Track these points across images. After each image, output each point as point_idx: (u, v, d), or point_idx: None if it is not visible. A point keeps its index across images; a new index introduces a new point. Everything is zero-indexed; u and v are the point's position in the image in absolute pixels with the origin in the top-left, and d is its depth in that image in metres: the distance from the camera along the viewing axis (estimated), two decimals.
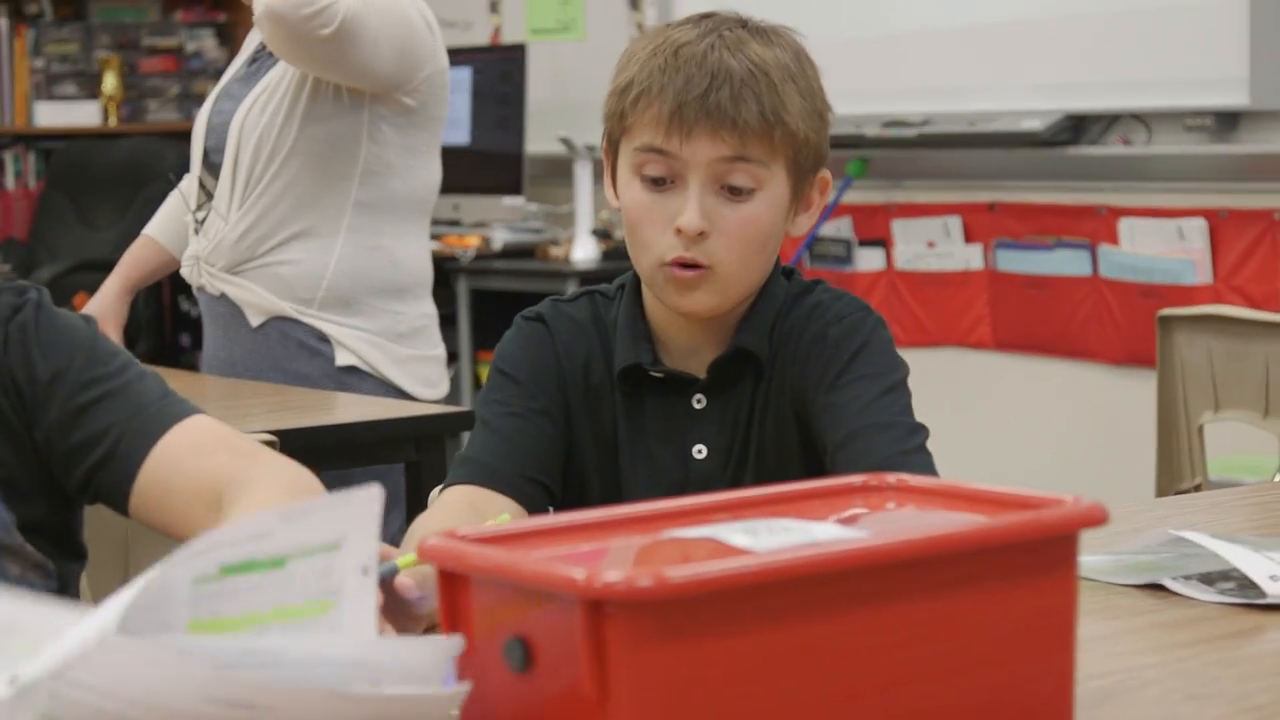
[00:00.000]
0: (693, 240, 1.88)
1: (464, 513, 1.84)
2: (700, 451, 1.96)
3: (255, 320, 3.50)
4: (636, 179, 1.91)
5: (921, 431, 1.92)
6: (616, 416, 1.97)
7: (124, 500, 1.73)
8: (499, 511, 1.86)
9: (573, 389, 1.97)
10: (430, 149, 3.55)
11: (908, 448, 1.88)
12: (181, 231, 3.68)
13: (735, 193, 1.89)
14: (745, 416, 1.96)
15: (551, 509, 1.95)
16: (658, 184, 1.90)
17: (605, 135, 1.97)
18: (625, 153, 1.93)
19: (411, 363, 3.52)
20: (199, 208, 3.60)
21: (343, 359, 3.47)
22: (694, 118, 1.86)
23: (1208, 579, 1.70)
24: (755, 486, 1.85)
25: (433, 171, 3.56)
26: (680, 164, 1.88)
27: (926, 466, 1.87)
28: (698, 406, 1.97)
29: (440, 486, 1.95)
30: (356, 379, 3.47)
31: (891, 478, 1.38)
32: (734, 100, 1.86)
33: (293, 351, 3.46)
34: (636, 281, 1.99)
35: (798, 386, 1.94)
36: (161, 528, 1.71)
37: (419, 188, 3.54)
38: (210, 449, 1.73)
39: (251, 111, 3.48)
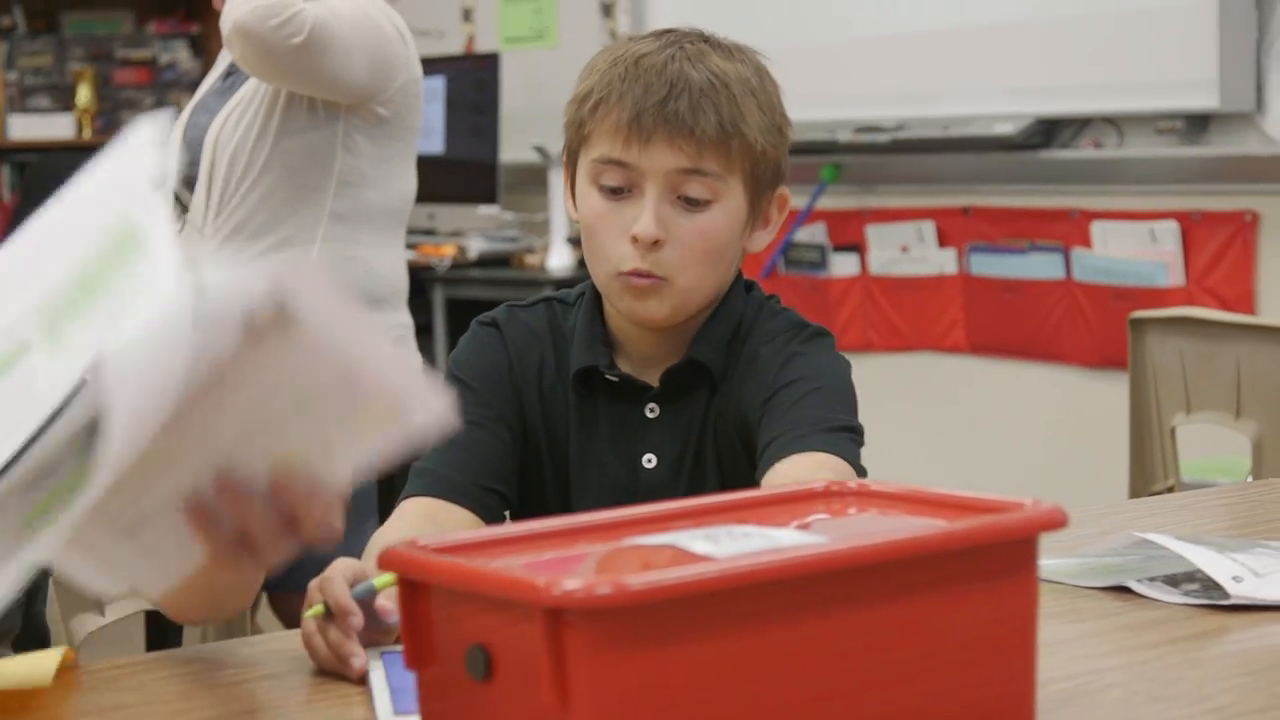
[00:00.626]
0: (648, 249, 1.88)
1: (421, 525, 1.84)
2: (650, 461, 1.96)
3: None
4: (594, 189, 1.92)
5: (844, 424, 1.89)
6: (569, 421, 1.97)
7: None
8: (457, 523, 1.86)
9: (526, 394, 1.97)
10: (405, 159, 3.55)
11: (819, 432, 1.85)
12: None
13: (692, 204, 1.89)
14: (698, 428, 1.96)
15: (508, 516, 1.95)
16: (615, 193, 1.90)
17: (565, 146, 1.97)
18: (584, 163, 1.93)
19: None
20: (174, 220, 3.60)
21: None
22: (652, 125, 1.87)
23: (1172, 581, 1.71)
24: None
25: (407, 181, 3.57)
26: (637, 174, 1.89)
27: (835, 445, 1.84)
28: (650, 415, 1.97)
29: (400, 498, 1.94)
30: None
31: (853, 483, 1.38)
32: (692, 110, 1.87)
33: None
34: (596, 295, 1.99)
35: (741, 404, 1.94)
36: None
37: (394, 198, 3.55)
38: None
39: (226, 125, 3.48)
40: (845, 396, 1.93)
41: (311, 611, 1.55)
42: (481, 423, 1.94)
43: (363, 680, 1.48)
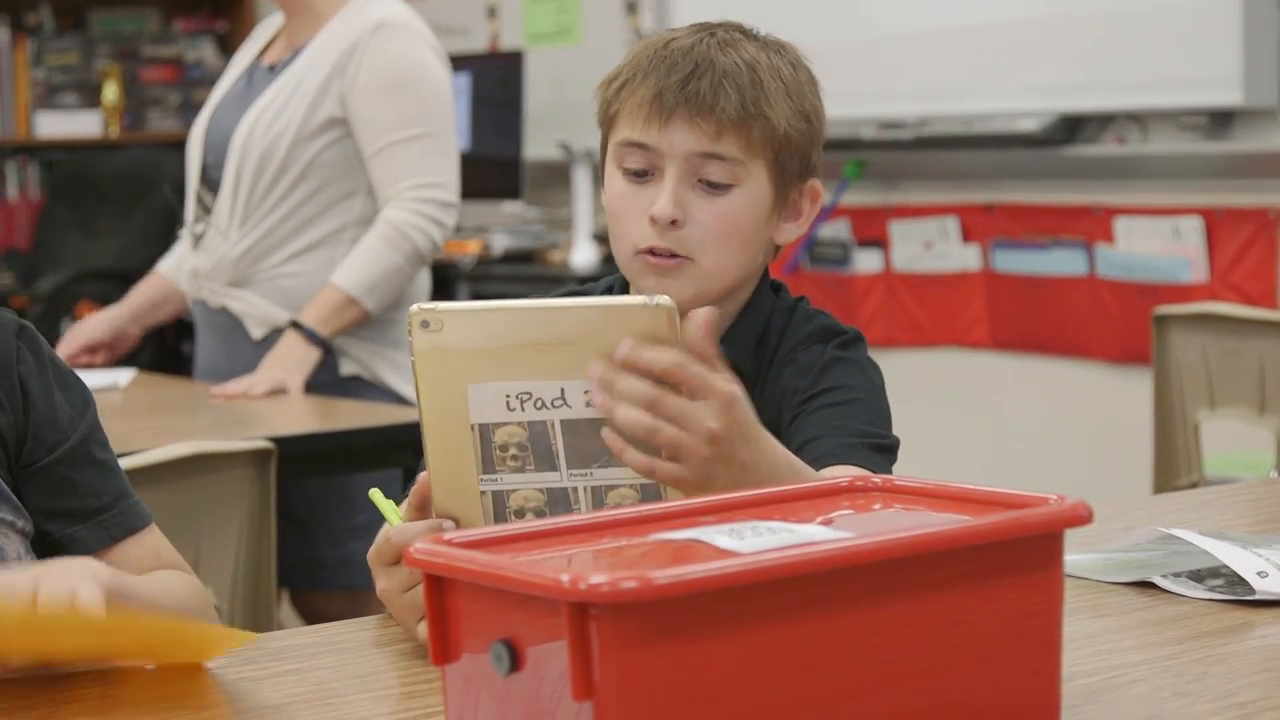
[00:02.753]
0: (666, 229, 1.88)
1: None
2: None
3: (257, 333, 3.51)
4: (618, 172, 1.92)
5: (879, 438, 1.88)
6: None
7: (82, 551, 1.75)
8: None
9: None
10: None
11: (853, 443, 1.84)
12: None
13: (712, 187, 1.88)
14: None
15: None
16: (638, 176, 1.90)
17: (600, 132, 1.98)
18: (611, 147, 1.94)
19: (409, 371, 3.53)
20: (196, 221, 3.60)
21: (346, 369, 3.48)
22: (672, 104, 1.86)
23: (1197, 576, 1.71)
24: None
25: None
26: (658, 156, 1.88)
27: (868, 461, 1.83)
28: None
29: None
30: (359, 388, 3.48)
31: (878, 479, 1.39)
32: (713, 89, 1.86)
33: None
34: (625, 281, 1.99)
35: (775, 408, 1.92)
36: None
37: None
38: (163, 558, 1.80)
39: (256, 129, 3.49)
40: (884, 411, 1.91)
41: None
42: None
43: None
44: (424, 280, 3.63)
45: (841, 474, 1.78)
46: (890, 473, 1.83)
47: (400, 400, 3.48)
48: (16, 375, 1.74)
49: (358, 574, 3.32)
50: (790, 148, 1.91)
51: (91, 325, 3.75)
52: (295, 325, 3.39)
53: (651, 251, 1.89)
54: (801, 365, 1.92)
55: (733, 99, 1.86)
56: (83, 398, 1.79)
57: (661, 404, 1.46)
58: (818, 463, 1.81)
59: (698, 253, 1.88)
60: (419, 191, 3.41)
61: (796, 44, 1.99)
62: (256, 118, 3.49)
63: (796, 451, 1.84)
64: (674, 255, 1.89)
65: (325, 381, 3.45)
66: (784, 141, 1.90)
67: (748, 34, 1.94)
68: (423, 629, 1.54)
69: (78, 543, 1.74)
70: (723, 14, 2.06)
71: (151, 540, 1.80)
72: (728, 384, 1.48)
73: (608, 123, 1.94)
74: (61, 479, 1.75)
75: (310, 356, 3.39)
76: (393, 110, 3.42)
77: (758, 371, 1.95)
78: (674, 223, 1.87)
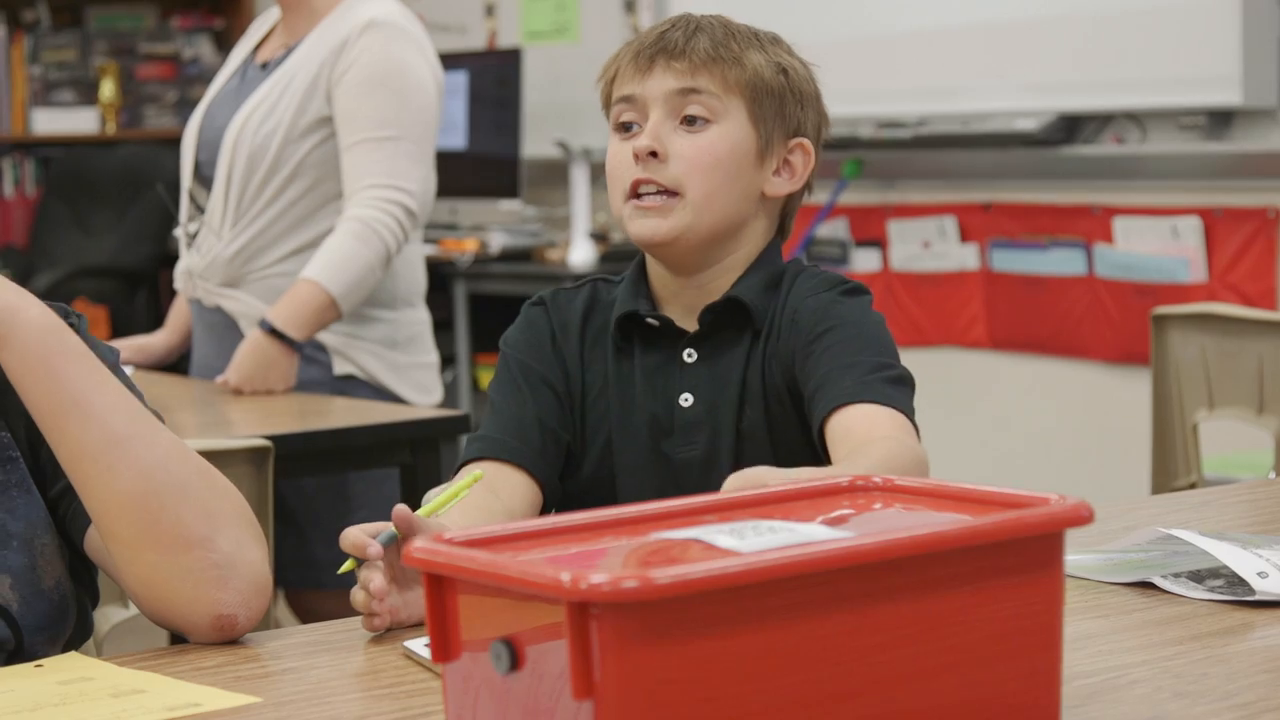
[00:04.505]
0: (647, 161, 1.98)
1: (478, 490, 1.88)
2: (686, 400, 2.01)
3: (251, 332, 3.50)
4: (614, 134, 2.02)
5: (891, 369, 1.94)
6: (608, 373, 2.04)
7: (80, 534, 1.69)
8: (514, 486, 1.96)
9: (569, 358, 2.05)
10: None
11: (869, 379, 1.91)
12: None
13: (691, 123, 1.99)
14: (740, 373, 2.00)
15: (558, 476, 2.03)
16: (626, 130, 2.01)
17: (607, 119, 2.07)
18: (610, 117, 2.04)
19: (409, 370, 3.53)
20: (190, 220, 3.59)
21: (340, 368, 3.47)
22: (650, 56, 1.99)
23: (1197, 577, 1.71)
24: (744, 436, 1.95)
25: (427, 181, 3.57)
26: (643, 104, 1.99)
27: (888, 397, 1.90)
28: (688, 360, 2.02)
29: (458, 465, 2.00)
30: (353, 387, 3.47)
31: (878, 478, 1.38)
32: (686, 37, 2.00)
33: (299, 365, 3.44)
34: (642, 258, 2.07)
35: (788, 352, 1.99)
36: (110, 571, 1.67)
37: None
38: None
39: (246, 126, 3.46)
40: (890, 345, 1.98)
41: (345, 567, 1.66)
42: (529, 389, 2.02)
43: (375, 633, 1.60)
44: (421, 278, 3.62)
45: (863, 415, 1.87)
46: (911, 406, 1.91)
47: (395, 399, 3.47)
48: None
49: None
50: (766, 91, 2.00)
51: (148, 352, 3.72)
52: (271, 331, 3.32)
53: (637, 193, 1.98)
54: (807, 309, 1.99)
55: (704, 42, 1.99)
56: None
57: None
58: (836, 407, 1.88)
59: (684, 186, 1.98)
60: (385, 193, 3.36)
61: (794, 43, 2.08)
62: (247, 116, 3.47)
63: (811, 396, 1.91)
64: (661, 193, 1.98)
65: (319, 380, 3.45)
66: (758, 84, 2.00)
67: (732, 21, 2.05)
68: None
69: (76, 515, 1.68)
70: (720, 12, 2.09)
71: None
72: None
73: (607, 101, 2.04)
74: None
75: (291, 365, 3.34)
76: (369, 107, 3.39)
77: (769, 321, 2.01)
78: (655, 155, 1.97)
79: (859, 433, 1.85)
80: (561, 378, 2.04)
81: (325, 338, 3.43)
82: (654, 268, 2.06)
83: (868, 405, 1.88)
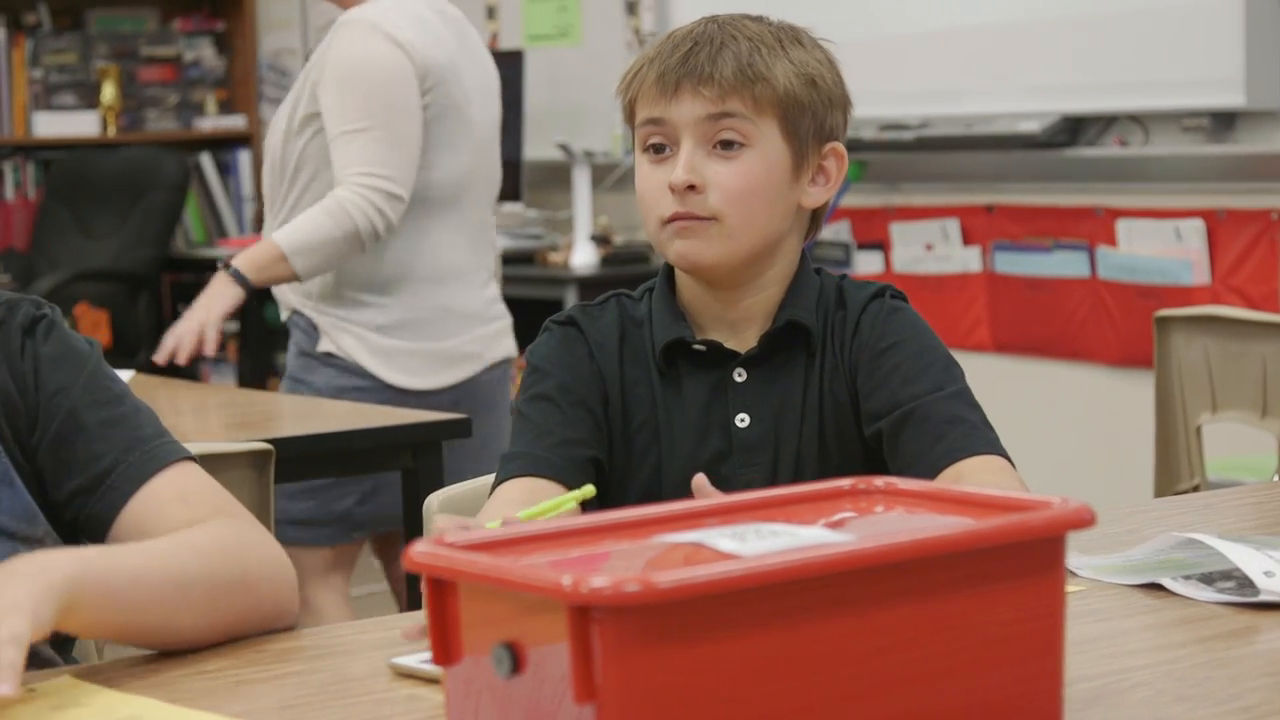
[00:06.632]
0: (685, 195, 1.94)
1: (517, 501, 1.88)
2: (743, 420, 1.99)
3: (283, 314, 3.80)
4: (643, 155, 1.99)
5: (954, 370, 1.99)
6: (655, 399, 2.01)
7: (104, 531, 1.69)
8: (550, 497, 1.90)
9: (609, 379, 2.01)
10: (437, 146, 3.66)
11: (949, 392, 1.96)
12: None
13: (726, 148, 1.95)
14: (799, 391, 1.99)
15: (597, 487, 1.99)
16: (658, 153, 1.97)
17: (629, 130, 2.04)
18: (636, 135, 2.01)
19: (398, 355, 3.66)
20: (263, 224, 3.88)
21: (323, 345, 3.67)
22: (676, 79, 1.95)
23: (1208, 578, 1.70)
24: (805, 459, 1.97)
25: (434, 169, 3.63)
26: (673, 129, 1.95)
27: (991, 444, 1.96)
28: (739, 380, 2.00)
29: (494, 485, 1.97)
30: (331, 362, 3.67)
31: (880, 481, 1.38)
32: (711, 59, 1.95)
33: (298, 338, 3.71)
34: (669, 270, 2.04)
35: (849, 370, 1.99)
36: None
37: (433, 184, 3.67)
38: (194, 501, 1.70)
39: (273, 132, 3.73)
40: (946, 352, 2.01)
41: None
42: (568, 408, 1.98)
43: None
44: (413, 267, 3.74)
45: (986, 467, 1.93)
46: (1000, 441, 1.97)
47: (377, 381, 3.61)
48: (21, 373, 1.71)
49: None
50: (798, 107, 1.97)
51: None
52: (226, 265, 3.58)
53: (675, 217, 1.95)
54: (867, 321, 1.99)
55: (730, 64, 1.94)
56: (75, 365, 1.73)
57: None
58: (960, 459, 1.93)
59: (721, 213, 1.95)
60: (365, 180, 3.53)
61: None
62: (275, 121, 3.74)
63: (889, 413, 1.94)
64: (695, 216, 1.94)
65: (305, 351, 3.68)
66: (789, 100, 1.96)
67: (754, 18, 2.02)
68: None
69: (95, 518, 1.69)
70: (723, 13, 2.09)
71: (174, 485, 1.71)
72: None
73: (630, 114, 2.01)
74: (60, 459, 1.70)
75: (232, 295, 3.59)
76: (340, 103, 3.57)
77: (826, 337, 2.00)
78: (692, 188, 1.94)
79: (989, 480, 1.89)
80: (600, 400, 2.00)
81: (315, 317, 3.66)
82: (688, 287, 2.02)
83: (992, 458, 1.95)
